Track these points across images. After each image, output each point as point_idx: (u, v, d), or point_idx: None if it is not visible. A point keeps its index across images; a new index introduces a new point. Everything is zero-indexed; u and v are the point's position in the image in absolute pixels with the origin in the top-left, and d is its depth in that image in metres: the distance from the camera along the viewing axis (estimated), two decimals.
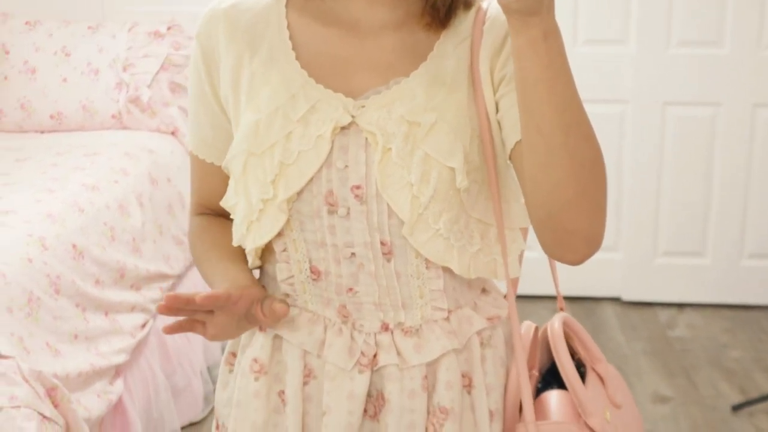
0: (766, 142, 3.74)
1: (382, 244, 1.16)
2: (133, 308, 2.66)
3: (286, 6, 1.21)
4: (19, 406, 1.96)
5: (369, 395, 1.21)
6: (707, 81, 3.71)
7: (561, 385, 1.26)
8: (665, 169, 3.80)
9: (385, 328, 1.21)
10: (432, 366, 1.21)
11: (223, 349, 2.80)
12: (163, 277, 2.89)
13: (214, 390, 1.36)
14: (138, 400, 2.61)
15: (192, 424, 2.98)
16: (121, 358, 2.50)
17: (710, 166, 3.78)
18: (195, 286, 3.06)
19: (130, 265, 2.68)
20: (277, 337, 1.25)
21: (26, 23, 3.50)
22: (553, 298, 3.57)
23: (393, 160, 1.12)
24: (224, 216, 1.28)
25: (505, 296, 1.28)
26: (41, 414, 2.00)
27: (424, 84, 1.14)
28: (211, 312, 1.13)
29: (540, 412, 1.23)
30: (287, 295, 1.23)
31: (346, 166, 1.14)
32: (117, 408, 2.48)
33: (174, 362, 2.88)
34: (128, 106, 3.37)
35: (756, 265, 3.85)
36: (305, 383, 1.23)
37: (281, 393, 1.25)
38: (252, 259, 1.23)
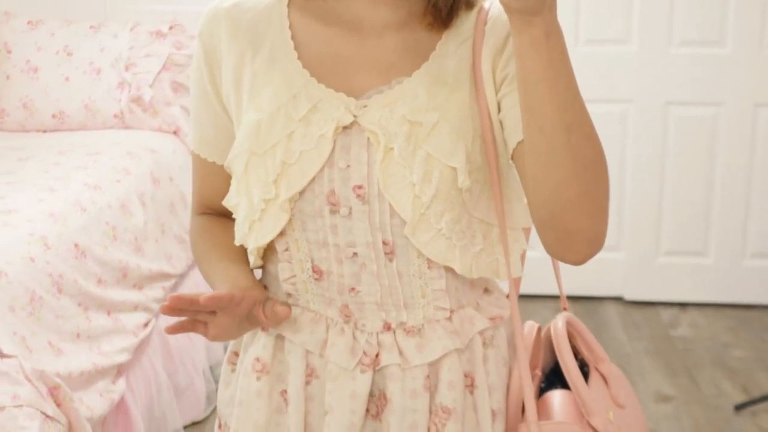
0: (767, 141, 3.75)
1: (384, 243, 1.16)
2: (135, 307, 2.66)
3: (288, 5, 1.21)
4: (21, 405, 1.96)
5: (371, 395, 1.21)
6: (709, 81, 3.70)
7: (564, 385, 1.26)
8: (667, 169, 3.80)
9: (387, 327, 1.21)
10: (434, 366, 1.21)
11: (225, 349, 2.80)
12: (165, 276, 2.89)
13: (217, 389, 1.36)
14: (140, 400, 2.61)
15: (194, 424, 2.98)
16: (123, 358, 2.50)
17: (712, 166, 3.78)
18: (197, 285, 3.06)
19: (132, 265, 2.69)
20: (279, 336, 1.25)
21: (28, 23, 3.50)
22: (555, 297, 3.57)
23: (395, 159, 1.12)
24: (226, 216, 1.28)
25: (507, 296, 1.28)
26: (44, 413, 2.00)
27: (426, 84, 1.14)
28: (213, 312, 1.13)
29: (543, 412, 1.23)
30: (289, 294, 1.23)
31: (348, 166, 1.14)
32: (119, 407, 2.48)
33: (176, 361, 2.88)
34: (130, 105, 3.37)
35: (758, 265, 3.85)
36: (307, 383, 1.23)
37: (283, 392, 1.25)
38: (254, 259, 1.23)
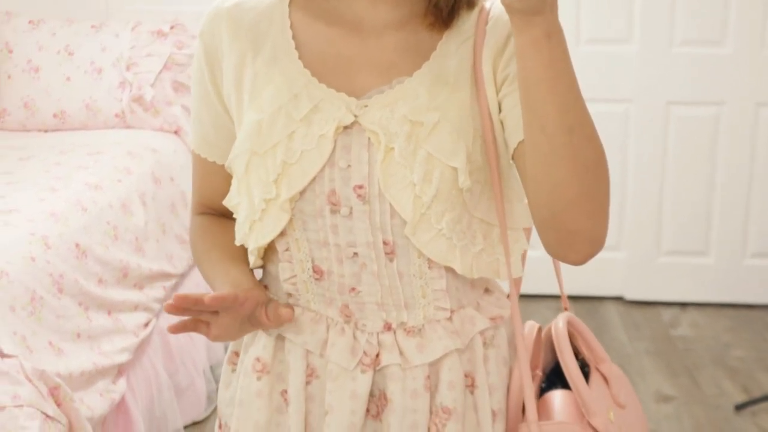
0: None
1: (385, 243, 1.16)
2: (136, 307, 2.66)
3: (290, 5, 1.21)
4: (21, 405, 1.96)
5: (371, 395, 1.21)
6: (710, 80, 3.70)
7: (565, 385, 1.26)
8: (668, 168, 3.80)
9: (388, 327, 1.21)
10: (434, 366, 1.21)
11: (226, 349, 2.80)
12: (166, 276, 2.89)
13: (217, 389, 1.36)
14: (141, 399, 2.61)
15: (195, 424, 2.98)
16: (123, 357, 2.50)
17: (713, 165, 3.78)
18: (198, 285, 3.06)
19: (133, 264, 2.69)
20: (279, 336, 1.25)
21: (30, 22, 3.50)
22: (556, 297, 3.57)
23: (396, 159, 1.12)
24: (226, 216, 1.28)
25: (508, 296, 1.28)
26: (44, 413, 2.00)
27: (426, 84, 1.14)
28: (216, 313, 1.13)
29: (543, 412, 1.23)
30: (290, 294, 1.23)
31: (349, 166, 1.14)
32: (120, 407, 2.48)
33: (177, 361, 2.88)
34: (131, 105, 3.37)
35: (759, 265, 3.85)
36: (308, 383, 1.23)
37: (284, 392, 1.25)
38: (254, 259, 1.23)
